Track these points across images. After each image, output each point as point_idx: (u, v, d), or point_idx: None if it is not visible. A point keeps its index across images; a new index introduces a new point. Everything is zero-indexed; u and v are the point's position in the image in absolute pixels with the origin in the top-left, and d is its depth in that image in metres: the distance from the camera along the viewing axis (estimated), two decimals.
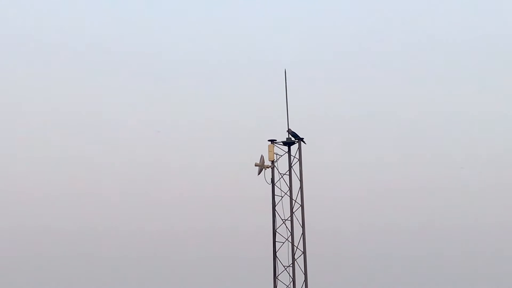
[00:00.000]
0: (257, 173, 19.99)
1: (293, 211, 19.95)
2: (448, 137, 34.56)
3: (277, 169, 20.09)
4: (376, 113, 35.08)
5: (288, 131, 20.15)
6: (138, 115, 35.85)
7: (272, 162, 20.04)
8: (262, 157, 20.02)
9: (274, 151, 20.05)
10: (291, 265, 19.81)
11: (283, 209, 19.95)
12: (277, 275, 19.78)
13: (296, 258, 19.83)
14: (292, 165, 20.14)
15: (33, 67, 35.86)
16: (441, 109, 35.16)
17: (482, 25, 35.92)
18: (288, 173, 20.12)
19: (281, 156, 20.15)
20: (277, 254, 19.85)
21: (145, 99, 36.23)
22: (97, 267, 31.57)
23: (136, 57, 37.17)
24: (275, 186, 20.04)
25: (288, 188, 20.04)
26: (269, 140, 20.08)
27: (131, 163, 34.50)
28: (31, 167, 34.21)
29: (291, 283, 19.76)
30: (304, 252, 19.77)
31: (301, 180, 20.05)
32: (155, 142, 35.03)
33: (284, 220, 19.92)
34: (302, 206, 19.93)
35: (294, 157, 20.15)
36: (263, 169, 19.98)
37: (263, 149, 20.08)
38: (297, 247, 19.83)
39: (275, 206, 19.98)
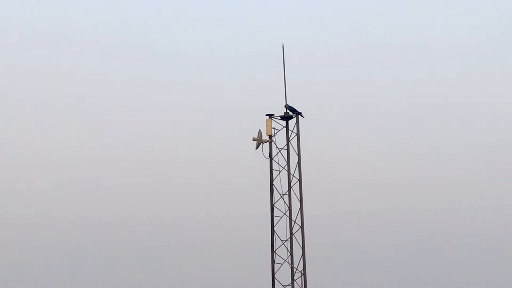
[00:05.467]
0: (255, 148, 19.94)
1: (291, 185, 19.92)
2: (445, 127, 34.59)
3: (275, 144, 20.02)
4: (377, 92, 35.06)
5: (285, 106, 20.04)
6: (135, 100, 35.91)
7: (270, 136, 19.95)
8: (260, 132, 19.92)
9: (272, 126, 19.97)
10: (289, 240, 19.81)
11: (281, 183, 19.89)
12: (275, 249, 19.76)
13: (294, 232, 19.83)
14: (290, 139, 20.07)
15: (34, 62, 35.92)
16: (440, 99, 35.10)
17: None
18: (286, 147, 20.07)
19: (279, 130, 20.09)
20: (275, 228, 19.83)
21: (141, 77, 36.27)
22: (93, 259, 31.74)
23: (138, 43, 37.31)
24: (273, 161, 19.98)
25: (286, 163, 19.99)
26: (267, 115, 19.99)
27: (126, 149, 34.51)
28: (31, 157, 34.34)
29: (289, 257, 19.76)
30: (302, 227, 19.72)
31: (299, 155, 19.97)
32: (153, 125, 35.06)
33: (282, 195, 19.86)
34: (300, 180, 19.87)
35: (292, 131, 20.07)
36: (261, 143, 19.90)
37: (261, 123, 20.01)
38: (295, 222, 19.81)
39: (273, 180, 19.93)
